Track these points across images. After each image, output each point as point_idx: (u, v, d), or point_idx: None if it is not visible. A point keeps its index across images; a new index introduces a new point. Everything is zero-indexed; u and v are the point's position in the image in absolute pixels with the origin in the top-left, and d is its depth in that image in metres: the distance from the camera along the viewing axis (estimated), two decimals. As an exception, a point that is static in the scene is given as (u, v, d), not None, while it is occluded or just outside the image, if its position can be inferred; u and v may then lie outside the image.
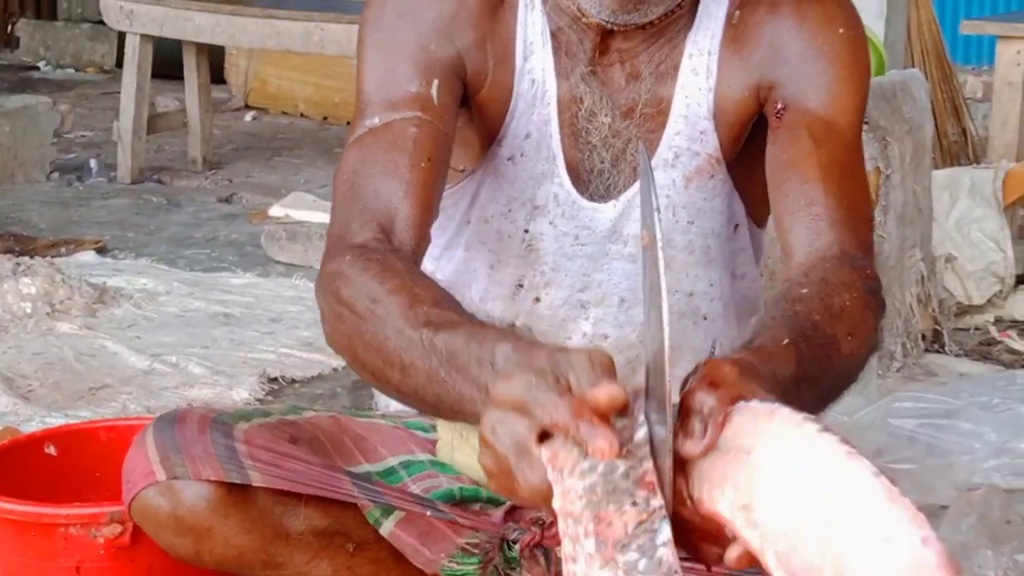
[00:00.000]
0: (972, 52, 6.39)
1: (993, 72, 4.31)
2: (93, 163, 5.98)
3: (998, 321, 3.92)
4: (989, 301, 3.96)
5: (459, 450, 1.94)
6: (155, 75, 5.90)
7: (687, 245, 1.84)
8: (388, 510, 1.83)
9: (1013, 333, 3.82)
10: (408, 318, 1.45)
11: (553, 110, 1.81)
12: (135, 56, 5.76)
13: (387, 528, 1.84)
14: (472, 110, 1.83)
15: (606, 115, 1.80)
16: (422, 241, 1.68)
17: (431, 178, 1.70)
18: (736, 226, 1.87)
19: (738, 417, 1.20)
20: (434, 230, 1.81)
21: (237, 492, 1.75)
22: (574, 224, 1.83)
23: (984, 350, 3.72)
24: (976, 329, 3.87)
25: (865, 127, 3.38)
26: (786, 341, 1.42)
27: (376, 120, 1.73)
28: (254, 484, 1.75)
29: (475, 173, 1.86)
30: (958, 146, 4.99)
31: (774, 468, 1.14)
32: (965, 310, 3.92)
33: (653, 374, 1.37)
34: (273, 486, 1.76)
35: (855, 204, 1.71)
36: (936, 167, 4.15)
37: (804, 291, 1.55)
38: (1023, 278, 4.11)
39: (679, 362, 1.80)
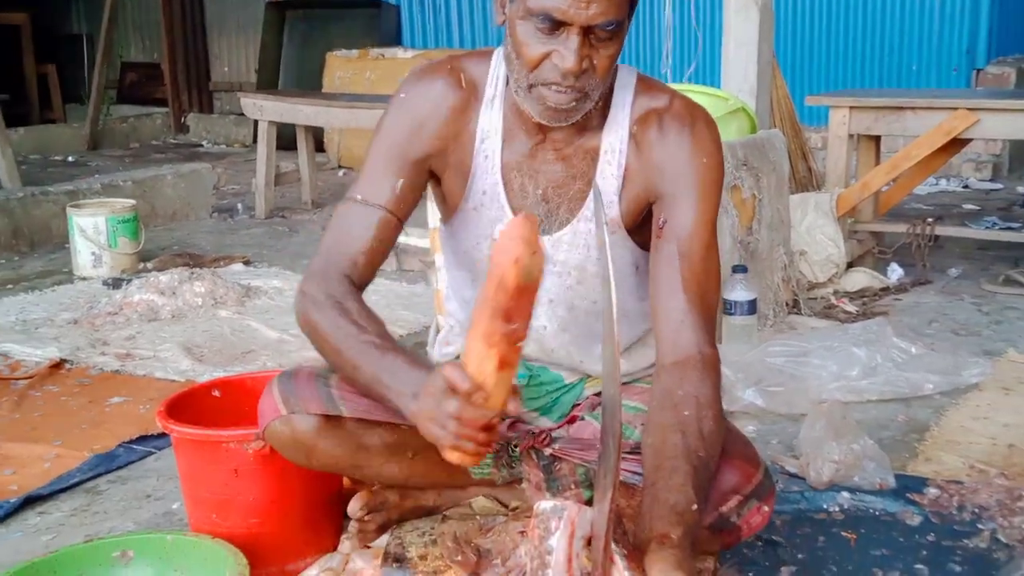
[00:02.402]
0: (815, 116, 6.36)
1: (828, 129, 4.28)
2: (239, 206, 5.95)
3: (835, 292, 3.90)
4: (829, 279, 3.93)
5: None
6: (278, 147, 5.88)
7: (595, 272, 1.80)
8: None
9: (845, 300, 3.79)
10: (359, 340, 1.61)
11: (499, 176, 1.77)
12: (265, 135, 5.75)
13: (432, 439, 1.84)
14: (442, 182, 1.82)
15: (536, 187, 1.77)
16: (366, 284, 1.76)
17: (379, 251, 1.76)
18: (637, 267, 1.83)
19: None
20: (438, 257, 1.86)
21: (333, 421, 1.76)
22: None
23: (827, 312, 3.69)
24: (821, 298, 3.84)
25: (744, 167, 3.37)
26: (695, 507, 1.50)
27: (359, 196, 1.75)
28: (345, 415, 1.75)
29: (452, 220, 1.84)
30: (806, 179, 4.95)
31: None
32: (814, 286, 3.89)
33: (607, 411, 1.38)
34: (357, 415, 1.76)
35: (706, 305, 1.71)
36: (792, 193, 4.13)
37: (687, 414, 1.61)
38: (851, 264, 4.09)
39: (584, 334, 1.86)
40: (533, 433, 1.87)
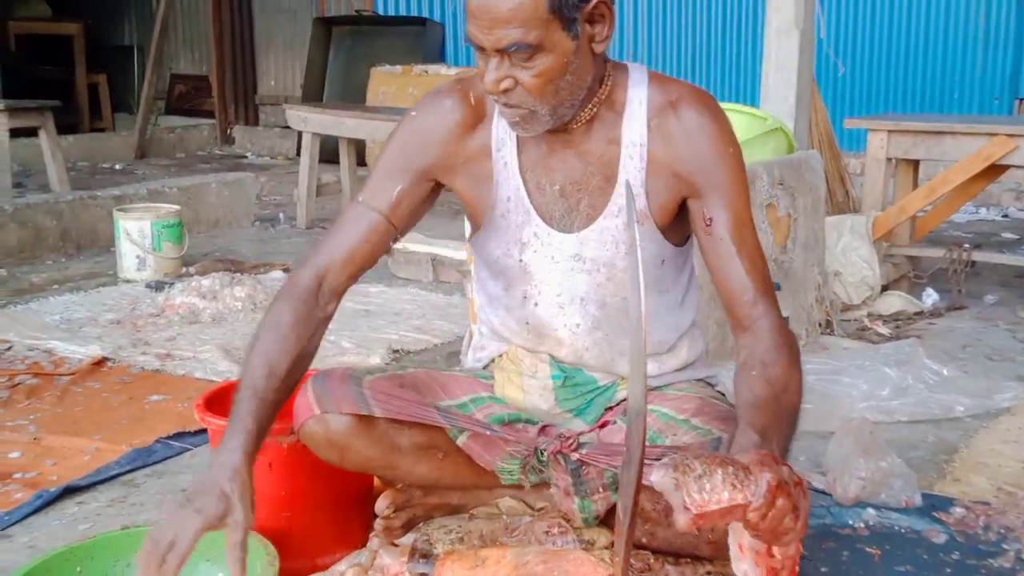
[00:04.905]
0: (855, 142, 6.35)
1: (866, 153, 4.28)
2: (281, 216, 6.03)
3: (869, 315, 3.89)
4: (863, 302, 3.93)
5: (506, 388, 1.96)
6: (321, 160, 5.94)
7: (624, 268, 1.82)
8: (462, 430, 1.86)
9: (879, 323, 3.79)
10: (247, 380, 1.72)
11: (520, 180, 1.82)
12: (308, 147, 5.81)
13: (462, 441, 1.88)
14: (462, 194, 1.88)
15: (553, 183, 1.81)
16: (341, 287, 1.82)
17: (365, 252, 1.81)
18: (663, 261, 1.85)
19: None
20: (473, 267, 1.94)
21: (366, 421, 1.80)
22: (550, 249, 1.84)
23: (859, 334, 3.68)
24: (855, 320, 3.83)
25: (780, 186, 3.39)
26: (776, 432, 1.55)
27: (362, 199, 1.83)
28: (376, 415, 1.79)
29: (482, 230, 1.89)
30: (844, 203, 4.95)
31: None
32: (847, 308, 3.90)
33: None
34: (388, 416, 1.79)
35: (763, 276, 1.77)
36: (829, 215, 4.13)
37: (754, 374, 1.65)
38: (886, 287, 4.08)
39: (615, 331, 1.88)
40: (562, 438, 1.88)
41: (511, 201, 1.83)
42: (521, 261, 1.86)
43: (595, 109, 1.76)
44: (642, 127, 1.77)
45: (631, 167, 1.78)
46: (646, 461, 1.66)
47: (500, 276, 1.91)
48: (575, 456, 1.85)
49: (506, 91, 1.64)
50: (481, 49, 1.63)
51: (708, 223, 1.75)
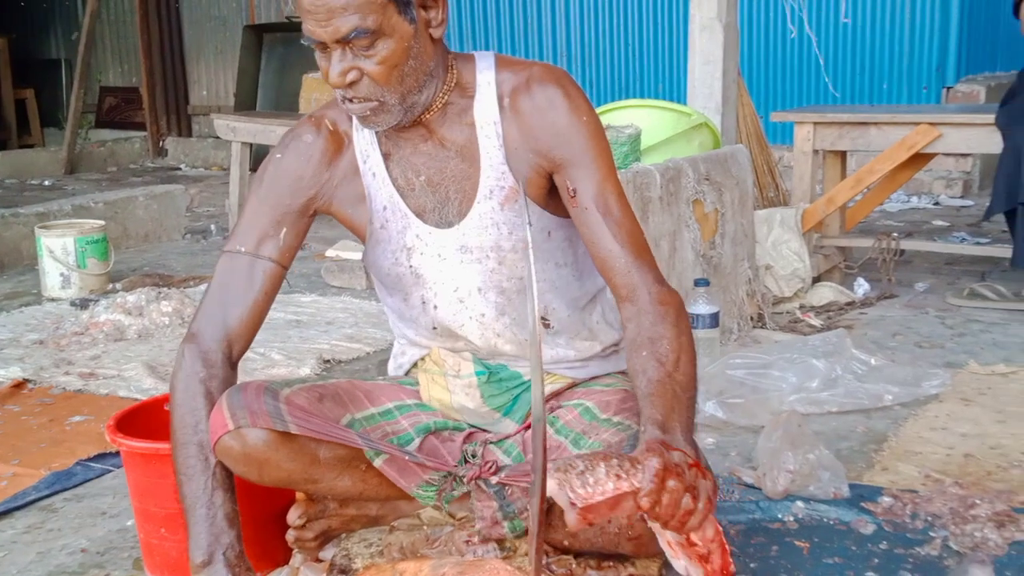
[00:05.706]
0: (787, 136, 6.38)
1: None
2: (213, 227, 5.95)
3: (801, 307, 3.91)
4: (795, 294, 3.95)
5: (431, 389, 1.94)
6: (253, 169, 5.85)
7: (512, 247, 1.81)
8: (379, 452, 1.83)
9: (811, 314, 3.81)
10: (193, 459, 1.71)
11: (390, 186, 1.81)
12: (238, 156, 5.71)
13: (378, 463, 1.85)
14: (341, 217, 1.87)
15: (420, 177, 1.80)
16: (246, 347, 1.83)
17: (263, 306, 1.81)
18: (549, 233, 1.84)
19: None
20: (374, 283, 1.95)
21: (284, 434, 1.74)
22: (435, 247, 1.82)
23: (792, 326, 3.70)
24: (787, 313, 3.85)
25: (706, 182, 3.39)
26: (677, 417, 1.55)
27: (242, 249, 1.79)
28: (292, 432, 1.73)
29: (368, 246, 1.87)
30: (775, 198, 4.97)
31: None
32: (780, 300, 3.91)
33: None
34: (304, 434, 1.74)
35: (636, 242, 1.74)
36: (760, 209, 4.15)
37: (644, 354, 1.64)
38: (817, 279, 4.11)
39: (522, 312, 1.86)
40: (481, 460, 1.86)
41: (387, 210, 1.82)
42: (411, 267, 1.84)
43: (446, 96, 1.76)
44: (493, 106, 1.77)
45: (489, 147, 1.77)
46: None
47: (396, 288, 1.90)
48: (495, 480, 1.83)
49: (352, 83, 1.65)
50: (323, 46, 1.64)
51: (572, 195, 1.75)
